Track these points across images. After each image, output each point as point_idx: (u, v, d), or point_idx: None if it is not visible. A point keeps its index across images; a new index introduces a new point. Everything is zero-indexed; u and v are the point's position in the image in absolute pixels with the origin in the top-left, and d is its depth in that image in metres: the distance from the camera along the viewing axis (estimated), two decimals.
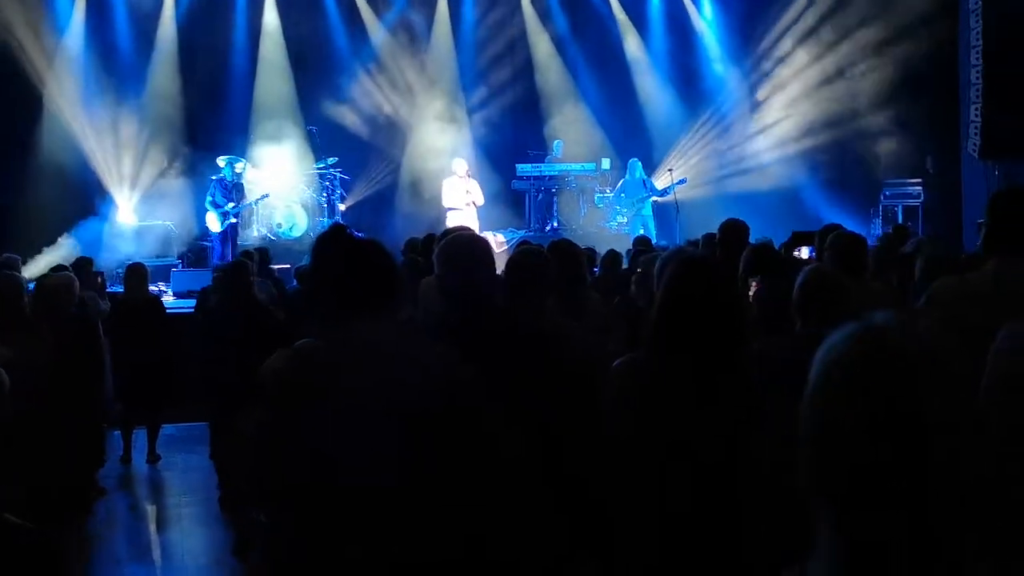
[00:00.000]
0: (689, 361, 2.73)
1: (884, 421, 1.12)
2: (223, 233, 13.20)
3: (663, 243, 11.59)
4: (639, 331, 3.24)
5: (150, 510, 7.18)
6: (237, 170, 13.97)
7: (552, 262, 4.31)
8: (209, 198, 13.25)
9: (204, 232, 13.66)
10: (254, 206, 13.96)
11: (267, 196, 13.86)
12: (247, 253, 8.60)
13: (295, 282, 8.98)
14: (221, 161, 13.67)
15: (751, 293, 4.26)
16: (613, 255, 7.05)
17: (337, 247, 2.50)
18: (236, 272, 6.35)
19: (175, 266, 13.28)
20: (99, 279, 9.25)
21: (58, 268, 8.30)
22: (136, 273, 8.21)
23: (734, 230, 5.55)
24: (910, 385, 1.12)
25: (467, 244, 3.21)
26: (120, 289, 8.87)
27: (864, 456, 1.13)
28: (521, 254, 3.86)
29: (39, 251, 12.57)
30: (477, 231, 8.22)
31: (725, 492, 2.66)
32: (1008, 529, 2.55)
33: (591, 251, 8.21)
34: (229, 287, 6.37)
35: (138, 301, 8.10)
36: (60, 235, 13.16)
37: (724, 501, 2.66)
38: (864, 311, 1.23)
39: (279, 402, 2.42)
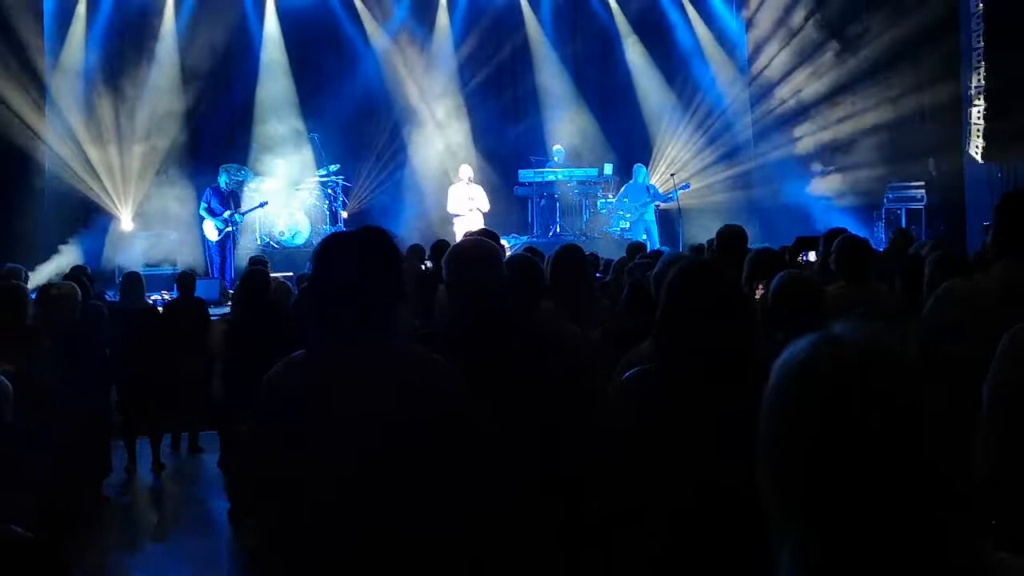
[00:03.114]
0: (698, 369, 2.69)
1: (838, 431, 1.11)
2: (219, 243, 13.09)
3: (656, 248, 11.50)
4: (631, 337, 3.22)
5: (154, 519, 7.15)
6: (238, 178, 13.93)
7: (557, 268, 4.32)
8: (204, 205, 13.10)
9: (202, 241, 13.49)
10: (251, 214, 13.83)
11: (265, 204, 13.73)
12: (255, 260, 8.53)
13: (297, 290, 8.97)
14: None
15: (756, 297, 4.25)
16: (623, 261, 7.04)
17: (338, 260, 2.38)
18: (252, 280, 6.30)
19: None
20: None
21: (77, 269, 8.26)
22: (132, 282, 8.15)
23: (733, 236, 5.58)
24: (866, 394, 1.11)
25: (472, 249, 3.17)
26: (118, 298, 8.84)
27: (819, 465, 1.12)
28: (514, 260, 3.84)
29: (42, 261, 12.57)
30: None
31: (734, 500, 2.63)
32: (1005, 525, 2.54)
33: (594, 256, 8.20)
34: (247, 295, 6.34)
35: (135, 311, 8.05)
36: (63, 244, 13.17)
37: (733, 509, 2.63)
38: (863, 315, 1.23)
39: (264, 410, 2.38)
